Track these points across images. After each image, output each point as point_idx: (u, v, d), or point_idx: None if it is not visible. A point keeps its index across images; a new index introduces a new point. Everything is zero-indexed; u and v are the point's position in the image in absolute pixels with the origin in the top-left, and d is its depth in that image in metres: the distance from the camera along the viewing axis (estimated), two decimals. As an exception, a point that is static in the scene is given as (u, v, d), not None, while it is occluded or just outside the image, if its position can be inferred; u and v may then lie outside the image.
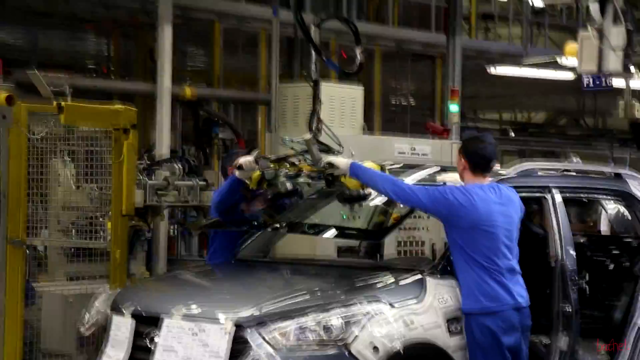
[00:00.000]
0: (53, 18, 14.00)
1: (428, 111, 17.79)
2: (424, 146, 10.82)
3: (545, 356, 6.10)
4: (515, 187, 5.99)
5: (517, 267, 5.62)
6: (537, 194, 6.24)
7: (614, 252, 7.34)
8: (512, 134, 22.32)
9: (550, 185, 6.27)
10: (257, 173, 6.13)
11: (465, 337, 5.45)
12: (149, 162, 8.84)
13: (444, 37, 14.40)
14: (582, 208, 8.93)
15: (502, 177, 6.05)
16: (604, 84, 12.25)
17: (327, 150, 6.04)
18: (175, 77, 11.42)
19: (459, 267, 5.51)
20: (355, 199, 5.96)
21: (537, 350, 6.44)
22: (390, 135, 12.60)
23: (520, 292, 5.56)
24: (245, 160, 6.17)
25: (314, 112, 6.19)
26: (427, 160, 10.51)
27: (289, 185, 6.13)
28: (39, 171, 7.12)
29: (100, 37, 16.34)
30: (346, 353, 5.00)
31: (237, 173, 6.23)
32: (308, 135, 6.01)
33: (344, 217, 6.78)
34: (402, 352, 5.08)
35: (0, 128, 6.71)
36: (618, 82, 13.48)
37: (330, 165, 5.69)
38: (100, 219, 7.50)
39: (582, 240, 7.37)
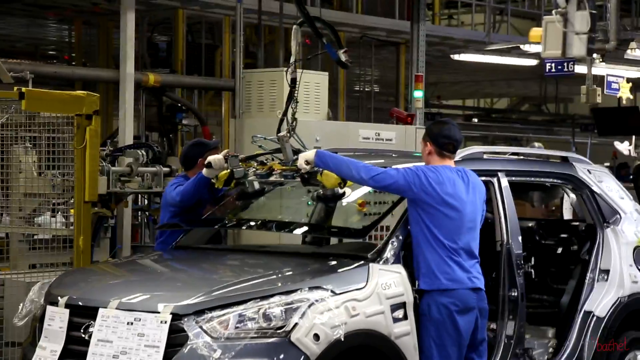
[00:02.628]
0: (13, 4, 13.84)
1: (392, 98, 17.84)
2: (389, 132, 10.84)
3: (493, 341, 6.05)
4: None
5: (476, 253, 5.61)
6: (483, 179, 6.13)
7: (563, 236, 7.33)
8: (475, 120, 22.45)
9: (496, 169, 6.22)
10: (224, 172, 6.07)
11: (420, 315, 5.42)
12: (111, 149, 8.79)
13: (408, 24, 14.42)
14: (545, 193, 8.96)
15: None
16: (566, 70, 12.36)
17: (297, 150, 6.02)
18: (138, 63, 11.35)
19: (420, 246, 5.48)
20: (331, 198, 5.96)
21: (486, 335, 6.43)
22: (355, 121, 12.62)
23: (476, 275, 5.56)
24: (215, 158, 6.10)
25: (287, 111, 6.11)
26: (391, 147, 10.55)
27: (256, 185, 6.09)
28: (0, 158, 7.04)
29: (61, 24, 16.19)
30: (286, 341, 4.89)
31: (204, 171, 6.16)
32: (282, 133, 5.99)
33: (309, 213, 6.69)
34: (343, 339, 4.99)
35: (-40, 114, 6.62)
36: (580, 69, 13.61)
37: (307, 162, 5.60)
38: (63, 206, 7.45)
39: (530, 225, 7.33)
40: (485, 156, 6.41)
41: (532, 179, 6.68)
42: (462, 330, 5.43)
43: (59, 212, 7.47)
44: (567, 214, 10.62)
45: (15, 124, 7.09)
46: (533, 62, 16.97)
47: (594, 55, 11.06)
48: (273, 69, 11.21)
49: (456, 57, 17.15)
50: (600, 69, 13.87)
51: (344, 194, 5.82)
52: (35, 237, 7.60)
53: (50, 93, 6.89)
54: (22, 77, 9.05)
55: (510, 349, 5.97)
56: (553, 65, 12.68)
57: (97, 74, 12.16)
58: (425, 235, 5.48)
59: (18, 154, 7.35)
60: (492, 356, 5.93)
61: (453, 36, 16.81)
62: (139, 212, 10.97)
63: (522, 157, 6.94)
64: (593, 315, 6.41)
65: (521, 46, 15.73)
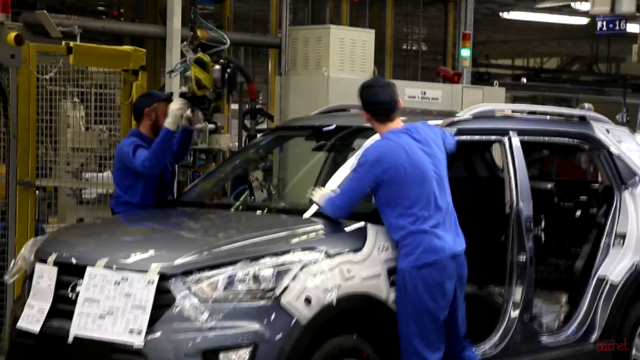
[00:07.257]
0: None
1: (440, 56, 17.67)
2: (435, 91, 10.76)
3: (500, 307, 5.85)
4: (470, 131, 5.79)
5: (451, 209, 5.25)
6: (493, 138, 5.96)
7: (582, 198, 7.03)
8: (524, 80, 22.17)
9: (507, 128, 5.96)
10: (204, 75, 6.09)
11: (396, 291, 5.09)
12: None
13: (457, -19, 14.27)
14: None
15: (456, 119, 5.77)
16: (617, 28, 12.15)
17: (212, 47, 6.00)
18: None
19: (390, 224, 5.15)
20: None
21: (493, 301, 6.27)
22: (402, 80, 12.54)
23: (454, 239, 5.20)
24: (177, 107, 6.04)
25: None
26: (437, 105, 10.48)
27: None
28: (48, 112, 7.12)
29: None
30: (276, 305, 4.69)
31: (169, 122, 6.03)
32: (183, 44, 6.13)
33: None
34: (336, 303, 4.79)
35: (9, 68, 6.68)
36: (632, 27, 13.36)
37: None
38: (110, 161, 7.53)
39: (549, 187, 6.98)
40: (497, 114, 6.12)
41: (547, 138, 6.40)
42: (440, 304, 5.11)
43: (107, 167, 7.56)
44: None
45: (64, 78, 7.16)
46: (584, 20, 16.71)
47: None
48: (319, 26, 11.15)
49: (505, 15, 16.94)
50: (654, 27, 13.60)
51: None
52: (83, 191, 7.70)
53: (97, 48, 6.94)
54: (70, 32, 9.09)
55: (517, 316, 5.76)
56: (604, 23, 12.46)
57: (145, 30, 12.19)
58: (393, 212, 5.12)
59: (66, 109, 7.42)
60: (498, 323, 5.75)
61: (503, -7, 16.60)
62: (185, 168, 11.02)
63: (536, 116, 6.56)
64: (607, 281, 6.18)
65: (572, 4, 15.49)
